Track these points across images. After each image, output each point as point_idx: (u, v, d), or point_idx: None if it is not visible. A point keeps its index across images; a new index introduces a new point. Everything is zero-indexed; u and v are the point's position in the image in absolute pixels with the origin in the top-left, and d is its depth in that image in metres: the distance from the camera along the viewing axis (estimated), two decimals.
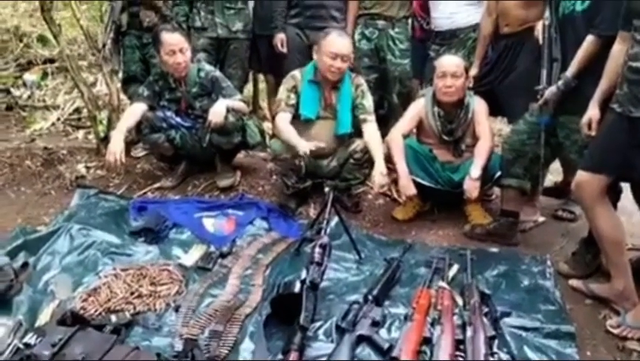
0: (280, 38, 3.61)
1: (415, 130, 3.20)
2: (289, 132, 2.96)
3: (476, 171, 2.85)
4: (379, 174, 2.86)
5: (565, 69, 2.45)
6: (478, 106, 3.02)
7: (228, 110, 3.15)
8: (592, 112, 2.27)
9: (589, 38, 2.31)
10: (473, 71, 3.15)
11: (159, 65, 3.34)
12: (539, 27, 2.64)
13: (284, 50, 3.62)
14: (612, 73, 2.19)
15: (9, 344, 1.96)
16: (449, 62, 2.96)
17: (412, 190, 2.91)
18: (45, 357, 1.88)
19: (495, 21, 3.06)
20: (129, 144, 3.80)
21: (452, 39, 3.31)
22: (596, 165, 2.25)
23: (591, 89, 2.30)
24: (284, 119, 3.03)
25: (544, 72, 2.52)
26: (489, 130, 3.02)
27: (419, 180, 2.95)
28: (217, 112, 3.12)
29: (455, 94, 2.95)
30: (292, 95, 3.06)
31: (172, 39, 3.12)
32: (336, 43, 2.94)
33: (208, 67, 3.35)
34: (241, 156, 3.72)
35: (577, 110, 2.37)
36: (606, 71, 2.22)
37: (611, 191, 2.39)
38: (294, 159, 2.97)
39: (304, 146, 2.84)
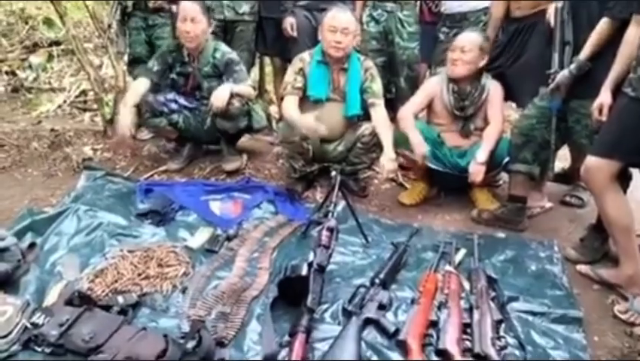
0: (290, 22, 3.58)
1: (425, 114, 3.17)
2: (295, 114, 2.94)
3: (482, 155, 2.84)
4: (387, 159, 2.84)
5: (576, 53, 2.42)
6: (494, 89, 2.99)
7: (232, 96, 3.13)
8: (604, 97, 2.24)
9: (604, 21, 2.28)
10: None
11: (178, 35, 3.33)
12: (551, 10, 2.60)
13: (294, 33, 3.58)
14: (626, 57, 2.16)
15: (17, 324, 1.96)
16: (462, 37, 2.95)
17: (424, 147, 2.88)
18: (52, 337, 1.90)
19: (507, 4, 3.02)
20: (135, 127, 3.80)
21: (462, 22, 3.29)
22: (607, 150, 2.22)
23: (603, 73, 2.27)
24: (291, 101, 3.01)
25: (556, 56, 2.50)
26: (502, 115, 3.00)
27: (426, 162, 2.94)
28: (219, 96, 3.09)
29: (460, 69, 2.92)
30: (299, 78, 3.04)
31: (187, 5, 3.12)
32: (335, 16, 2.93)
33: (225, 48, 3.30)
34: (245, 139, 3.71)
35: (588, 94, 2.35)
36: (620, 55, 2.19)
37: (621, 177, 2.37)
38: (302, 141, 2.96)
39: (308, 124, 2.84)
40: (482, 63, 2.95)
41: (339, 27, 2.91)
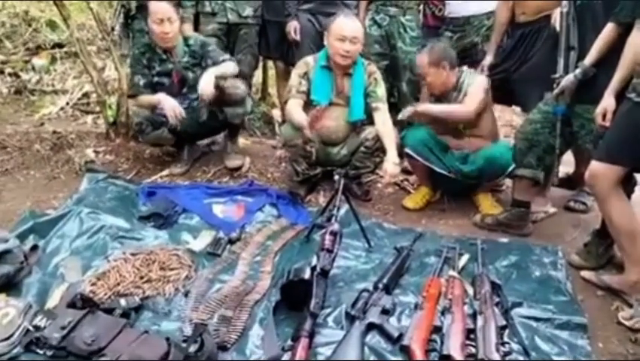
0: (293, 26, 3.58)
1: None
2: (299, 115, 2.93)
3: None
4: (390, 163, 2.84)
5: (582, 58, 2.42)
6: (475, 83, 2.96)
7: (225, 78, 3.12)
8: (608, 102, 2.23)
9: (609, 26, 2.27)
10: (488, 59, 3.13)
11: (149, 35, 3.30)
12: (556, 15, 2.60)
13: (298, 37, 3.58)
14: (630, 62, 2.15)
15: (19, 326, 1.96)
16: (418, 61, 3.02)
17: None
18: (55, 340, 1.90)
19: (511, 9, 3.02)
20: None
21: (465, 26, 3.30)
22: (612, 155, 2.21)
23: (607, 78, 2.26)
24: (295, 105, 3.01)
25: (561, 60, 2.49)
26: (473, 101, 2.92)
27: (432, 166, 2.95)
28: (204, 85, 3.05)
29: (434, 88, 3.00)
30: (303, 82, 3.03)
31: (158, 7, 3.09)
32: (344, 25, 2.91)
33: (193, 34, 3.33)
34: (248, 142, 3.70)
35: (593, 99, 2.34)
36: (623, 60, 2.18)
37: (626, 182, 2.36)
38: (305, 144, 2.96)
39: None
40: (446, 72, 2.93)
41: (348, 36, 2.90)
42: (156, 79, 3.27)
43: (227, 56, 3.30)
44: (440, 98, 3.03)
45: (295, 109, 2.99)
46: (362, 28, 3.01)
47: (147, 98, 3.23)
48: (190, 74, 3.26)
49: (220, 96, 3.14)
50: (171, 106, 3.11)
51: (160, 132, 3.27)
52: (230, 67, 3.23)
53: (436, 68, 2.91)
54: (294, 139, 2.99)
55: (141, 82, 3.26)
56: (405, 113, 2.93)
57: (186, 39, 3.26)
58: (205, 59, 3.22)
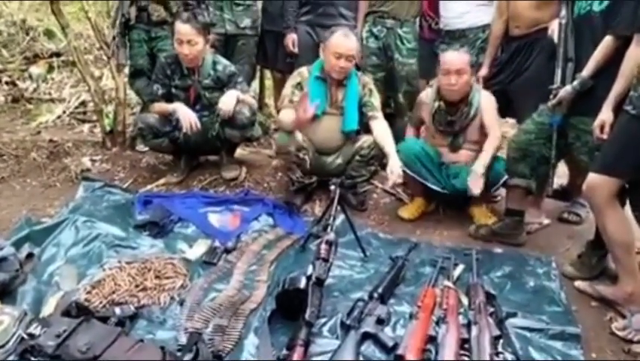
0: (291, 39, 3.61)
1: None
2: (286, 114, 2.96)
3: (479, 166, 2.85)
4: (394, 164, 2.82)
5: (579, 69, 2.44)
6: (485, 99, 2.98)
7: (242, 103, 3.16)
8: (606, 115, 2.24)
9: (607, 38, 2.29)
10: (483, 72, 3.17)
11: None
12: (553, 26, 2.63)
13: (296, 50, 3.61)
14: (627, 75, 2.17)
15: (13, 334, 1.95)
16: (454, 59, 2.90)
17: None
18: (49, 348, 1.88)
19: (506, 22, 3.05)
20: (133, 139, 3.80)
21: (460, 39, 3.31)
22: (609, 167, 2.23)
23: (604, 90, 2.28)
24: (287, 114, 3.02)
25: (559, 71, 2.51)
26: (497, 123, 3.00)
27: (425, 182, 2.96)
28: (226, 101, 3.13)
29: (458, 92, 2.93)
30: (297, 92, 3.05)
31: (182, 29, 3.09)
32: (342, 43, 2.94)
33: (225, 61, 3.33)
34: (245, 152, 3.71)
35: (589, 111, 2.36)
36: (621, 73, 2.20)
37: (622, 194, 2.37)
38: (298, 151, 2.97)
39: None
40: (469, 77, 2.94)
41: (344, 54, 2.93)
42: (173, 90, 3.28)
43: (251, 93, 3.37)
44: (452, 107, 2.98)
45: (287, 119, 3.00)
46: (357, 45, 3.00)
47: (162, 106, 3.24)
48: (207, 94, 3.27)
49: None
50: (187, 115, 3.13)
51: (160, 141, 3.28)
52: (253, 102, 3.33)
53: (471, 70, 2.93)
54: (287, 145, 3.00)
55: (160, 91, 3.27)
56: (474, 189, 2.83)
57: (215, 63, 3.27)
58: (229, 88, 3.24)
